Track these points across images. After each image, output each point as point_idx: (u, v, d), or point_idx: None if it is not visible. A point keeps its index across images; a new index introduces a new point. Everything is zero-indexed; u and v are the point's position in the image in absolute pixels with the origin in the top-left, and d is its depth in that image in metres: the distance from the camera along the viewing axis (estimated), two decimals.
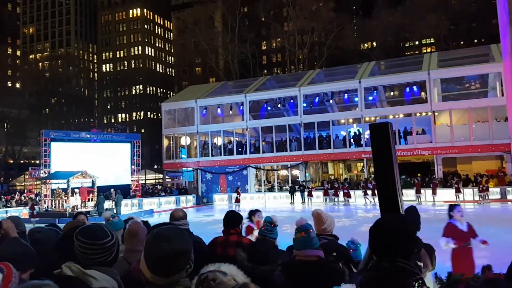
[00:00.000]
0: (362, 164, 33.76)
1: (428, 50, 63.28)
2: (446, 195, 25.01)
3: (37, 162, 50.06)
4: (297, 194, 28.88)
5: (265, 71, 71.14)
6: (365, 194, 26.60)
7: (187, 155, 36.13)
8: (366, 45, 66.41)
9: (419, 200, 25.58)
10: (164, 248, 1.71)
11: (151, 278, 1.73)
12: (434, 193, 25.24)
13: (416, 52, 66.17)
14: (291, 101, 32.84)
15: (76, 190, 25.95)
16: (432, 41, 67.72)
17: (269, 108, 34.35)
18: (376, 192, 24.86)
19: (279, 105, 33.73)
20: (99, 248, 2.10)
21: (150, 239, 1.77)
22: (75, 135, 31.06)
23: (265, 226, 3.58)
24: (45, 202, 26.66)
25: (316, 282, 2.63)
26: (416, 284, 1.54)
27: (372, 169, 33.92)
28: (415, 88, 29.64)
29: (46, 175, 27.50)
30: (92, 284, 2.02)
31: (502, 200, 24.76)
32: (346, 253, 3.69)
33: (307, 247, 2.86)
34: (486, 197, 24.42)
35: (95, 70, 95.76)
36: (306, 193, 28.11)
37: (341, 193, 27.84)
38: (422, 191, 25.86)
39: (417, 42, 70.75)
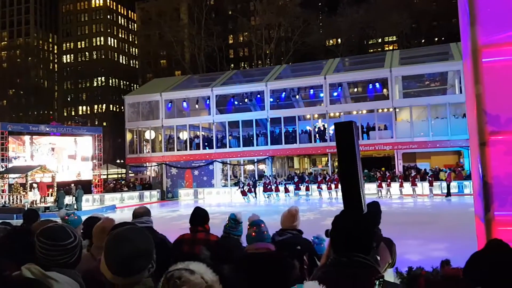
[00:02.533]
0: (326, 158, 34.30)
1: (391, 47, 64.88)
2: (404, 189, 25.94)
3: None
4: (259, 189, 28.97)
5: (232, 65, 70.91)
6: (329, 188, 27.02)
7: (152, 150, 35.61)
8: (331, 41, 67.33)
9: (380, 194, 26.23)
10: (124, 249, 1.69)
11: (112, 279, 1.71)
12: (401, 186, 25.99)
13: (379, 49, 67.85)
14: (258, 96, 32.92)
15: (35, 185, 25.11)
16: (394, 39, 69.53)
17: (236, 102, 34.29)
18: (338, 186, 25.54)
19: (246, 100, 33.74)
20: (61, 249, 2.05)
21: (110, 240, 1.74)
22: (34, 128, 29.94)
23: (229, 223, 3.58)
24: (2, 197, 25.65)
25: (266, 273, 2.66)
26: (377, 283, 1.58)
27: (336, 164, 34.63)
28: (377, 85, 30.32)
29: (3, 169, 26.45)
30: (53, 286, 1.96)
31: (459, 194, 25.76)
32: (311, 247, 3.77)
33: (258, 241, 2.90)
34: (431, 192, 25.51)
35: (55, 61, 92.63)
36: (273, 188, 28.20)
37: (303, 187, 28.18)
38: (383, 184, 26.51)
39: (380, 40, 72.49)
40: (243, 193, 27.65)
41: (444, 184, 26.80)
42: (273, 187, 27.83)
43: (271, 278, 2.52)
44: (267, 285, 1.90)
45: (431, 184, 25.65)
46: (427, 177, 26.23)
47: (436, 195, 25.77)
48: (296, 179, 29.26)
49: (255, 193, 28.47)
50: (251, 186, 28.64)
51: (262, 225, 2.93)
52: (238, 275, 2.67)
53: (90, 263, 2.60)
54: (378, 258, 2.67)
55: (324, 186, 27.53)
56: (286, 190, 28.16)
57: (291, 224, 3.86)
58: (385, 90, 30.74)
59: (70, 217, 4.21)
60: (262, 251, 2.81)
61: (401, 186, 25.99)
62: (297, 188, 28.16)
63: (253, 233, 2.88)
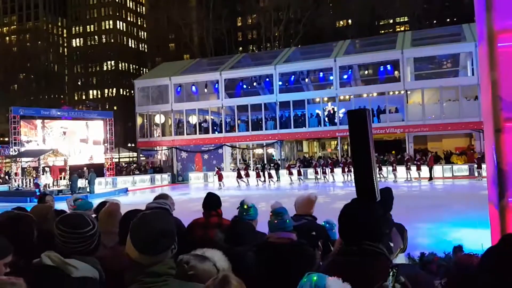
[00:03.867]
0: (336, 142, 34.19)
1: (402, 28, 63.80)
2: (412, 172, 25.76)
3: (6, 139, 48.60)
4: (272, 173, 28.99)
5: (241, 48, 70.39)
6: (343, 171, 26.99)
7: (162, 134, 35.77)
8: (341, 23, 66.42)
9: (395, 177, 26.03)
10: (150, 228, 1.79)
11: (138, 258, 1.79)
12: (408, 169, 25.80)
13: (390, 30, 66.79)
14: (267, 79, 32.74)
15: (47, 169, 25.44)
16: (406, 20, 68.33)
17: (244, 86, 34.14)
18: (347, 169, 25.47)
19: (254, 84, 33.57)
20: (80, 237, 2.10)
21: (137, 221, 1.85)
22: (45, 112, 30.19)
23: (240, 209, 3.63)
24: (15, 181, 26.06)
25: (287, 264, 2.69)
26: (391, 273, 1.59)
27: (345, 147, 34.52)
28: (388, 67, 29.92)
29: (16, 153, 26.80)
30: (72, 273, 2.01)
31: (470, 176, 25.60)
32: (325, 233, 3.82)
33: (280, 229, 2.91)
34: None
35: (65, 45, 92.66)
36: (286, 171, 28.19)
37: (319, 170, 28.19)
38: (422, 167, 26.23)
39: (391, 21, 71.32)
40: (239, 176, 27.63)
41: (456, 167, 26.66)
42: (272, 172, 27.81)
43: (292, 269, 2.55)
44: (288, 275, 1.93)
45: (418, 168, 25.51)
46: (415, 161, 26.00)
47: (447, 178, 25.66)
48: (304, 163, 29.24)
49: (265, 178, 28.45)
50: (259, 170, 28.64)
51: (285, 214, 2.95)
52: (258, 262, 2.70)
53: (101, 251, 2.64)
54: (392, 244, 2.68)
55: (328, 170, 27.54)
56: (299, 173, 28.11)
57: (308, 211, 3.89)
58: (396, 72, 30.36)
59: (77, 202, 4.22)
60: (284, 241, 2.83)
61: (408, 169, 25.80)
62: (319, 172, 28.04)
63: (275, 221, 2.90)
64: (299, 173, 27.88)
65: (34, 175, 25.24)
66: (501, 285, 1.64)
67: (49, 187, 24.24)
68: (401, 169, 26.02)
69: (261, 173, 28.47)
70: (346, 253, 2.04)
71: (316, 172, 28.06)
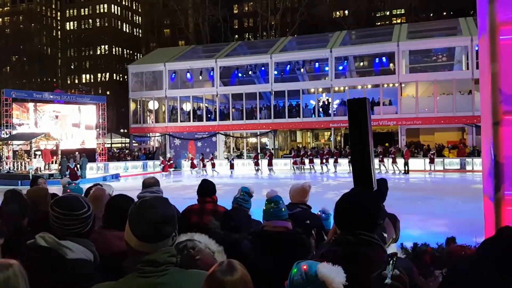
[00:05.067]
0: (329, 133, 34.25)
1: (399, 21, 63.68)
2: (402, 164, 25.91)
3: None
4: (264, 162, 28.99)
5: (236, 36, 69.85)
6: (322, 162, 27.16)
7: (155, 120, 35.60)
8: (338, 13, 66.12)
9: (383, 168, 26.25)
10: (150, 215, 1.71)
11: (138, 246, 1.71)
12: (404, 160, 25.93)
13: (387, 22, 66.60)
14: (262, 68, 32.61)
15: (39, 152, 25.25)
16: (402, 12, 68.20)
17: (239, 74, 33.99)
18: (338, 160, 25.59)
19: (250, 72, 33.43)
20: (75, 219, 2.08)
21: (136, 208, 1.75)
22: (37, 95, 29.88)
23: (241, 196, 3.61)
24: (6, 164, 25.86)
25: (282, 252, 2.69)
26: (391, 262, 1.59)
27: (338, 138, 34.62)
28: (384, 59, 29.92)
29: (7, 136, 26.55)
30: (67, 255, 2.00)
31: (461, 170, 25.82)
32: (319, 222, 3.83)
33: (276, 218, 2.91)
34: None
35: (59, 28, 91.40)
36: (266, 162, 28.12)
37: (307, 161, 28.25)
38: (385, 160, 26.47)
39: (388, 13, 71.11)
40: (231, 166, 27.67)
41: (447, 160, 26.88)
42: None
43: (288, 257, 2.56)
44: (284, 263, 1.92)
45: (393, 161, 25.77)
46: (390, 154, 26.22)
47: (438, 171, 25.87)
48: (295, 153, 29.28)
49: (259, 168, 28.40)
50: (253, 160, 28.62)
51: (280, 202, 2.95)
52: (254, 250, 2.70)
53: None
54: (385, 235, 2.69)
55: (317, 160, 27.67)
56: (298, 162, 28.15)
57: (302, 199, 3.91)
58: (391, 64, 30.36)
59: (71, 185, 4.24)
60: (280, 230, 2.83)
61: (394, 162, 25.94)
62: (302, 162, 28.11)
63: (271, 209, 2.89)
64: (302, 163, 27.93)
65: (26, 158, 25.04)
66: (503, 274, 1.65)
67: (40, 171, 24.07)
68: (388, 161, 26.22)
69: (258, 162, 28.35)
70: (343, 242, 2.04)
71: (310, 162, 28.15)
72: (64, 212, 2.08)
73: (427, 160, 26.19)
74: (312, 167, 27.87)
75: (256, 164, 27.70)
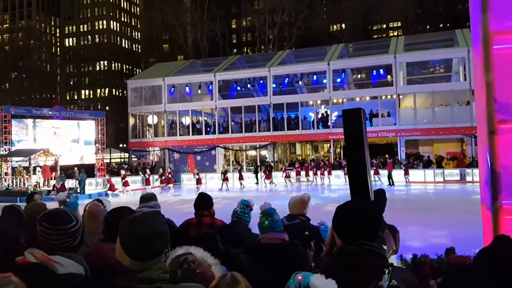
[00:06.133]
0: (328, 145, 34.24)
1: (395, 33, 64.17)
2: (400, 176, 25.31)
3: None
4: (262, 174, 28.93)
5: (235, 50, 70.39)
6: (322, 174, 27.12)
7: (154, 134, 35.61)
8: (335, 26, 66.69)
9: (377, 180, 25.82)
10: (141, 231, 1.66)
11: (130, 265, 1.67)
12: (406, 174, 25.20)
13: (384, 35, 67.13)
14: (261, 81, 32.76)
15: (38, 168, 25.19)
16: (399, 25, 68.73)
17: (238, 88, 34.14)
18: (331, 172, 25.56)
19: (248, 85, 33.58)
20: (63, 233, 2.05)
21: (127, 225, 1.71)
22: (36, 111, 29.90)
23: (241, 209, 3.58)
24: (5, 181, 25.77)
25: (279, 264, 2.66)
26: (387, 271, 1.57)
27: (338, 150, 34.60)
28: (381, 71, 30.08)
29: (6, 152, 26.51)
30: (58, 270, 1.96)
31: (461, 181, 25.75)
32: (318, 233, 3.82)
33: (271, 230, 2.89)
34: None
35: (58, 44, 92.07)
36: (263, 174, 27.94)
37: (311, 173, 28.16)
38: (381, 171, 26.15)
39: (384, 25, 71.70)
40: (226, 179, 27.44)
41: (447, 171, 26.83)
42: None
43: (285, 269, 2.52)
44: (281, 275, 1.89)
45: (376, 172, 25.21)
46: (372, 166, 25.89)
47: (438, 183, 25.79)
48: (297, 165, 29.22)
49: (257, 178, 28.41)
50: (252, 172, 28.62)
51: (275, 214, 2.92)
52: (252, 264, 2.67)
53: (84, 251, 2.60)
54: (385, 247, 2.66)
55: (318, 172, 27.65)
56: (298, 173, 27.96)
57: (302, 211, 3.89)
58: (389, 76, 30.52)
59: (66, 202, 4.21)
60: (276, 242, 2.80)
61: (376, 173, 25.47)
62: (298, 174, 28.09)
63: (266, 222, 2.87)
64: (298, 174, 27.80)
65: (25, 175, 24.98)
66: (499, 280, 1.62)
67: (39, 187, 24.00)
68: (383, 173, 25.84)
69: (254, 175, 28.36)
70: (345, 253, 2.01)
71: (308, 174, 28.09)
72: (52, 227, 2.05)
73: (428, 171, 26.14)
74: (315, 179, 27.81)
75: (268, 177, 27.29)
